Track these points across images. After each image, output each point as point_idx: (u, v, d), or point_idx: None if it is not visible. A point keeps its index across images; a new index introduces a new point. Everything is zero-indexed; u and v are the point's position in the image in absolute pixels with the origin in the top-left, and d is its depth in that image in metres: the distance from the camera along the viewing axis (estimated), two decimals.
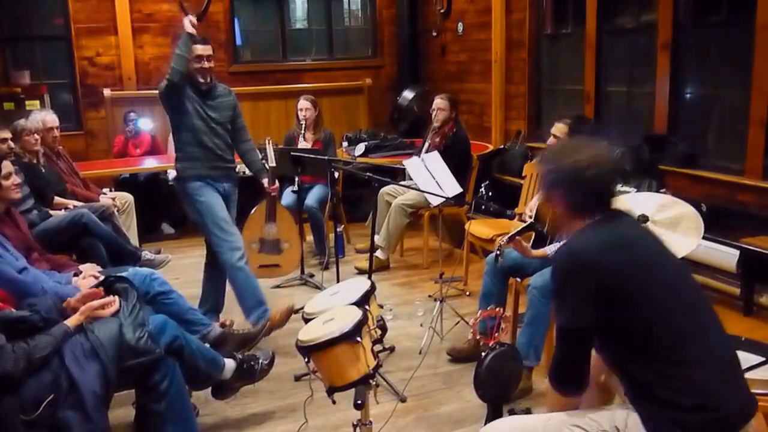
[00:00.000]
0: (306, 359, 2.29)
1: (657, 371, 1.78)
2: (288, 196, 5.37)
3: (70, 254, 4.32)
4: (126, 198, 5.58)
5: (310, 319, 2.44)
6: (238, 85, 6.29)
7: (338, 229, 5.36)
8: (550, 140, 3.77)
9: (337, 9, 8.40)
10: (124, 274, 3.14)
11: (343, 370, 2.24)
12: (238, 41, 7.97)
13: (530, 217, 3.67)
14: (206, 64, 3.81)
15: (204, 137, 3.82)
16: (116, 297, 2.66)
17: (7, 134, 4.57)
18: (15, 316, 2.43)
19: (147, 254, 4.79)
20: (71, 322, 2.47)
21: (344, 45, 8.49)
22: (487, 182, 6.30)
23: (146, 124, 6.90)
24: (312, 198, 5.34)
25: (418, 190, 4.07)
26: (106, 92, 7.09)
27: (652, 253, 1.93)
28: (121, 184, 6.35)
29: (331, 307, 2.44)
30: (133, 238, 5.42)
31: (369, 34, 8.53)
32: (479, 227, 4.69)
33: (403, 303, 4.65)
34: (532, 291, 3.25)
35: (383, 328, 2.76)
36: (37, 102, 6.72)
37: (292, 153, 4.72)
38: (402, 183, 4.58)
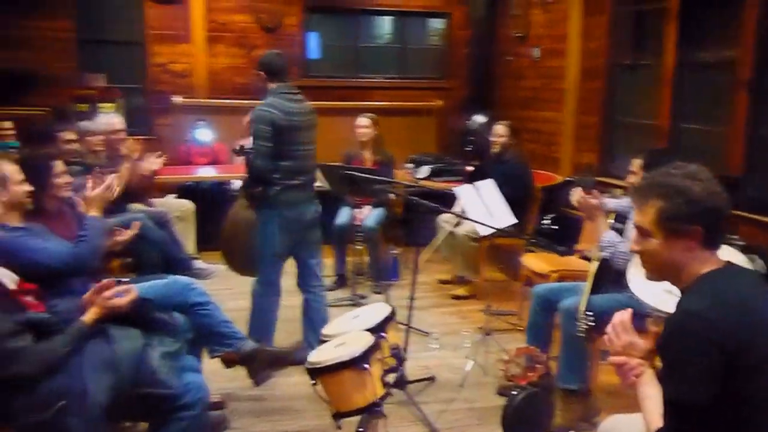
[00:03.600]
0: (313, 381, 2.19)
1: None
2: (343, 215, 5.29)
3: (124, 258, 4.35)
4: (186, 206, 5.62)
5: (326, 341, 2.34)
6: (308, 99, 6.26)
7: (394, 252, 5.23)
8: (630, 177, 3.54)
9: (411, 28, 8.34)
10: (163, 280, 3.14)
11: (348, 396, 2.16)
12: (311, 55, 8.01)
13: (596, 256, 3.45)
14: None
15: None
16: (133, 286, 2.62)
17: (72, 135, 4.67)
18: (39, 318, 2.40)
19: (198, 264, 4.79)
20: (87, 317, 2.45)
21: (416, 65, 8.42)
22: (552, 215, 6.06)
23: (205, 134, 6.94)
24: (370, 219, 5.25)
25: (468, 219, 3.92)
26: (176, 99, 7.21)
27: None
28: (184, 191, 6.41)
29: (348, 330, 2.34)
30: (190, 246, 5.46)
31: (442, 55, 8.44)
32: (536, 261, 4.49)
33: (449, 333, 4.50)
34: (563, 312, 3.12)
35: (398, 358, 2.62)
36: (110, 105, 6.89)
37: (345, 171, 4.63)
38: (452, 211, 4.42)
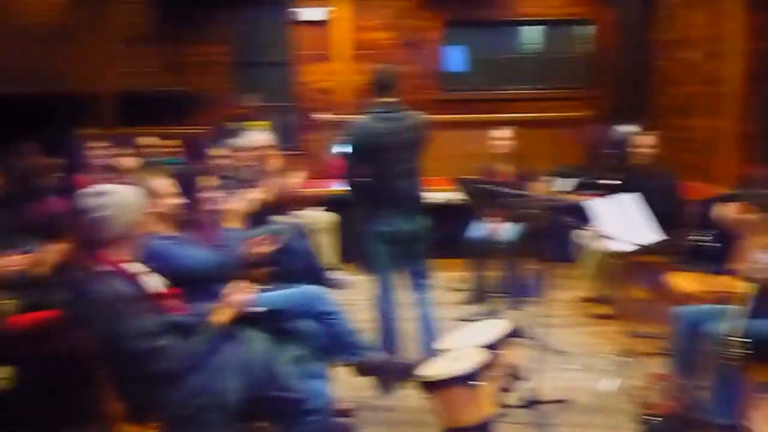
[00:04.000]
0: (425, 395, 2.17)
1: None
2: (479, 229, 5.24)
3: (267, 267, 4.57)
4: (328, 218, 5.82)
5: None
6: (446, 113, 6.32)
7: (532, 268, 5.11)
8: None
9: (555, 36, 8.12)
10: (296, 289, 3.27)
11: (458, 412, 2.11)
12: (452, 68, 8.02)
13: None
14: None
15: None
16: (251, 284, 2.76)
17: (224, 152, 4.99)
18: (182, 320, 2.58)
19: (337, 275, 4.92)
20: (218, 318, 2.60)
21: (560, 74, 8.16)
22: (710, 231, 5.62)
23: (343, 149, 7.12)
24: (506, 233, 5.17)
25: (608, 235, 3.73)
26: (321, 116, 7.49)
27: None
28: (327, 203, 6.63)
29: (464, 345, 2.29)
30: (331, 257, 5.64)
31: (587, 63, 8.13)
32: (685, 281, 4.20)
33: (588, 354, 4.30)
34: (713, 337, 2.90)
35: (515, 377, 2.53)
36: (261, 123, 7.28)
37: (480, 185, 4.58)
38: (592, 227, 4.23)
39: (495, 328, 2.49)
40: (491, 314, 4.88)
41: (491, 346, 2.32)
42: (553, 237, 6.34)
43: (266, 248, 3.75)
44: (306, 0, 7.63)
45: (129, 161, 5.07)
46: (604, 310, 5.05)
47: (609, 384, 3.66)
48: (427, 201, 4.09)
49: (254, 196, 3.45)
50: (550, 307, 5.06)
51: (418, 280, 3.98)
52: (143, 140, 5.61)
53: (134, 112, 6.94)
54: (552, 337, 4.29)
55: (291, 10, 7.67)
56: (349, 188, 3.90)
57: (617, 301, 4.95)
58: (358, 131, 3.77)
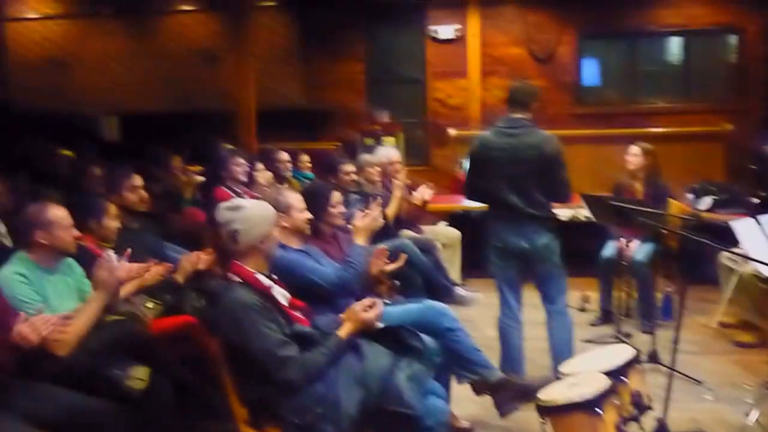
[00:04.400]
0: (542, 420, 2.12)
1: None
2: (609, 248, 5.06)
3: (391, 281, 4.65)
4: (453, 233, 5.83)
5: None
6: (582, 127, 6.18)
7: (667, 289, 4.87)
8: None
9: (697, 47, 7.72)
10: (418, 305, 3.31)
11: None
12: (586, 82, 7.82)
13: None
14: None
15: None
16: (379, 300, 2.82)
17: (352, 167, 5.15)
18: (305, 331, 2.69)
19: (460, 291, 4.91)
20: (342, 331, 2.68)
21: (702, 86, 7.76)
22: None
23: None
24: (639, 253, 4.96)
25: (751, 258, 3.49)
26: (452, 132, 7.54)
27: None
28: (454, 219, 6.65)
29: (585, 370, 2.22)
30: (455, 273, 5.64)
31: (734, 75, 7.66)
32: None
33: (727, 384, 4.02)
34: None
35: (640, 406, 2.41)
36: (392, 139, 7.45)
37: (610, 203, 4.43)
38: (734, 249, 3.97)
39: (621, 352, 2.40)
40: (621, 336, 4.70)
41: (616, 372, 2.24)
42: (689, 257, 6.02)
43: (391, 265, 3.81)
44: (439, 18, 7.74)
45: (265, 175, 5.33)
46: (746, 337, 4.72)
47: (747, 417, 3.41)
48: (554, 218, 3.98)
49: (378, 213, 3.50)
50: (685, 332, 4.81)
51: (546, 299, 3.90)
52: (278, 155, 5.87)
53: (271, 128, 7.32)
54: (686, 364, 4.06)
55: (425, 27, 7.81)
56: (468, 201, 3.91)
57: (761, 328, 4.61)
58: (478, 145, 3.79)
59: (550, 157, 3.65)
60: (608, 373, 2.20)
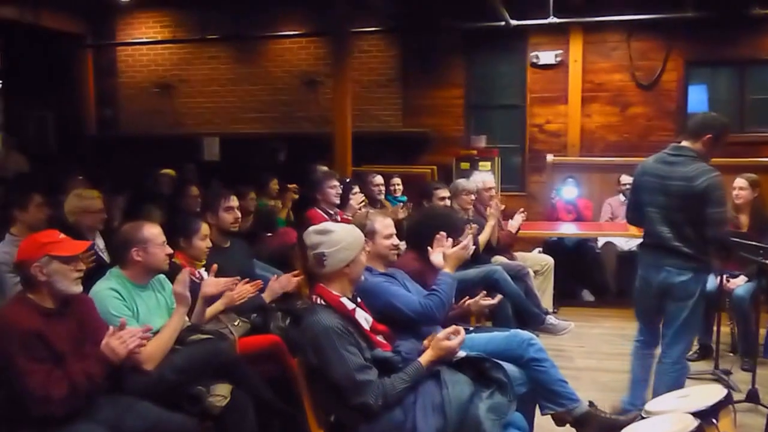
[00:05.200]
0: None
1: None
2: (710, 282, 4.77)
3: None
4: (546, 261, 5.69)
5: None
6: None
7: None
8: None
9: None
10: (504, 333, 3.24)
11: None
12: (691, 109, 7.49)
13: None
14: None
15: None
16: (461, 329, 2.76)
17: (446, 193, 5.12)
18: (385, 356, 2.66)
19: (551, 319, 4.76)
20: (424, 358, 2.65)
21: None
22: None
23: (570, 192, 6.89)
24: (741, 288, 4.72)
25: None
26: (549, 158, 7.39)
27: None
28: (547, 246, 6.49)
29: (672, 410, 2.09)
30: (547, 301, 5.49)
31: None
32: None
33: None
34: None
35: None
36: (488, 164, 7.38)
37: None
38: None
39: (713, 392, 2.25)
40: (719, 374, 4.42)
41: (705, 413, 2.09)
42: None
43: (487, 300, 3.73)
44: (540, 43, 7.65)
45: (357, 198, 5.38)
46: None
47: None
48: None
49: (468, 242, 3.41)
50: None
51: (664, 340, 3.69)
52: (372, 178, 5.92)
53: (368, 152, 7.42)
54: None
55: (526, 53, 7.73)
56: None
57: None
58: (639, 169, 3.69)
59: (698, 192, 3.38)
60: (697, 414, 2.06)
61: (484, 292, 3.85)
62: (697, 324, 3.73)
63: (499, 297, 3.90)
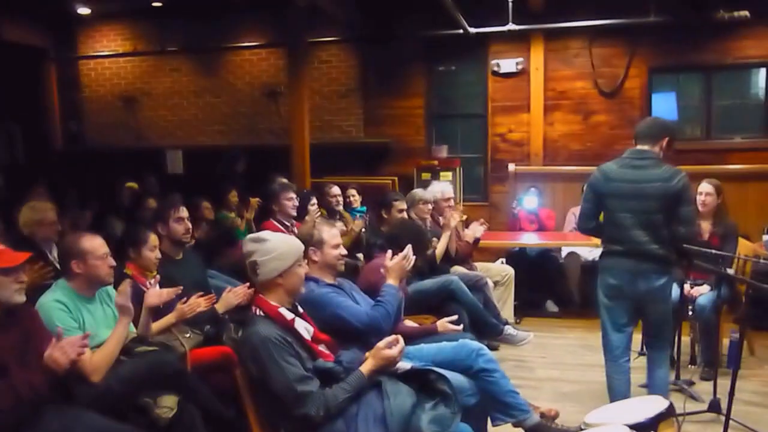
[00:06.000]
0: None
1: None
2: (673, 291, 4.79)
3: (436, 316, 4.53)
4: (506, 271, 5.68)
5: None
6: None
7: (734, 335, 4.55)
8: None
9: None
10: (452, 343, 3.20)
11: None
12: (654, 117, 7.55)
13: None
14: None
15: None
16: (401, 338, 2.72)
17: (403, 205, 5.10)
18: (327, 367, 2.62)
19: (509, 329, 4.74)
20: (365, 367, 2.62)
21: None
22: None
23: (531, 201, 6.88)
24: (704, 297, 4.69)
25: None
26: (511, 167, 7.40)
27: None
28: (510, 256, 6.49)
29: (611, 422, 2.07)
30: (508, 312, 5.47)
31: None
32: None
33: None
34: None
35: None
36: (450, 174, 7.37)
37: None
38: None
39: (654, 404, 2.22)
40: (680, 384, 4.41)
41: (644, 426, 2.07)
42: (758, 302, 5.63)
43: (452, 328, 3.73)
44: (501, 52, 7.67)
45: (314, 210, 5.35)
46: None
47: None
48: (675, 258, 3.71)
49: (408, 253, 3.37)
50: (751, 382, 4.47)
51: (649, 345, 3.79)
52: (330, 189, 5.90)
53: (329, 162, 7.39)
54: (749, 415, 3.78)
55: (487, 61, 7.74)
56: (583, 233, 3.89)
57: None
58: (598, 176, 3.62)
59: (676, 191, 3.43)
60: (634, 427, 2.04)
61: (456, 316, 3.88)
62: (672, 320, 3.77)
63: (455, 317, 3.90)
